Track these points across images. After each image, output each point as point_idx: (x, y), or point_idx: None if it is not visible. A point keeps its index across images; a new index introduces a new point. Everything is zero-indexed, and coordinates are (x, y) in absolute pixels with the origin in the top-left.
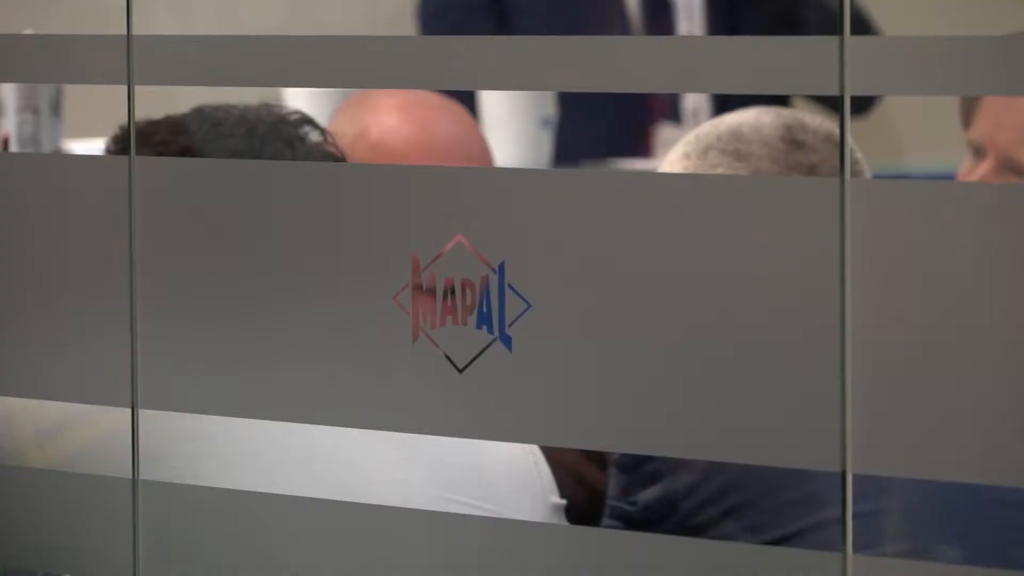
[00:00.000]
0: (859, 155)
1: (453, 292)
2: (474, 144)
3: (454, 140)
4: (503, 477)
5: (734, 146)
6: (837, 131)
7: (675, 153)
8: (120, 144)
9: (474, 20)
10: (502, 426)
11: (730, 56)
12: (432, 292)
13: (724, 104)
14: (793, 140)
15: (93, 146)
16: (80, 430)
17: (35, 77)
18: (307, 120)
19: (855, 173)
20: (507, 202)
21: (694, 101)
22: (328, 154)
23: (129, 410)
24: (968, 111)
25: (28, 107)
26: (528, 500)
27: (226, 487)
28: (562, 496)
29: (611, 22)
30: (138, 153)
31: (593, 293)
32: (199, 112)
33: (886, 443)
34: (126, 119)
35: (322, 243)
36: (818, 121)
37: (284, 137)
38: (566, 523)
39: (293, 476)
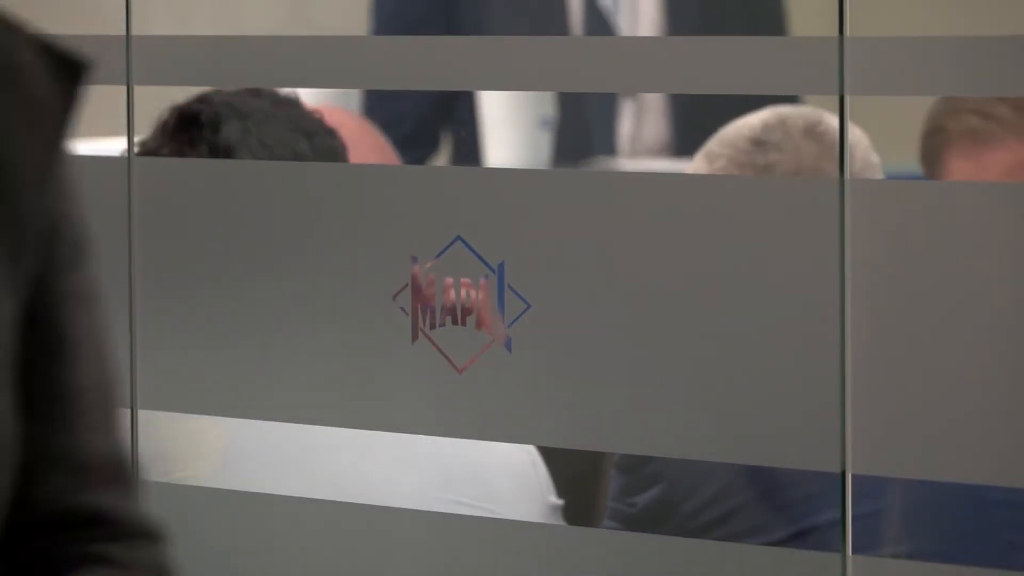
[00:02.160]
0: (875, 159)
1: (452, 293)
2: None
3: None
4: (501, 478)
5: (775, 138)
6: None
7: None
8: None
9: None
10: (501, 427)
11: (730, 57)
12: (432, 292)
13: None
14: (813, 133)
15: (93, 146)
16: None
17: None
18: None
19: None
20: (507, 202)
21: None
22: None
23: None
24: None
25: None
26: (526, 500)
27: (225, 487)
28: (559, 497)
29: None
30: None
31: (593, 293)
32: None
33: (886, 444)
34: (164, 111)
35: (322, 243)
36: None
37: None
38: (564, 523)
39: (292, 476)
